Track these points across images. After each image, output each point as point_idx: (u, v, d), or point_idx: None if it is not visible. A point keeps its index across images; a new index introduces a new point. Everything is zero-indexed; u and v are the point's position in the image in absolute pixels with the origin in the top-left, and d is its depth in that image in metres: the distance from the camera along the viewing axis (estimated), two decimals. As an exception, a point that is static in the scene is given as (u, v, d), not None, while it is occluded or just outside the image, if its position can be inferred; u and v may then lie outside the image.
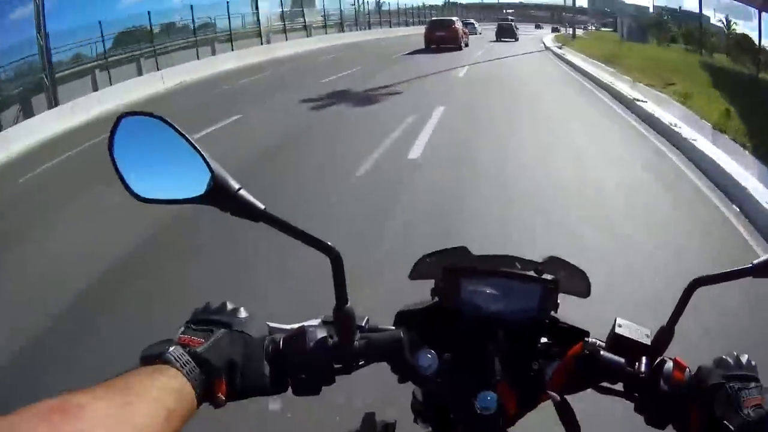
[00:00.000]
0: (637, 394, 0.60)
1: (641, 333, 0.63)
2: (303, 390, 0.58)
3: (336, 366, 0.59)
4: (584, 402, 0.66)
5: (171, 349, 0.49)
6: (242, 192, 0.55)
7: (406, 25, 32.04)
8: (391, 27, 31.45)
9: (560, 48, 20.66)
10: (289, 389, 0.58)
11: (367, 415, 0.68)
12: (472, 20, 35.72)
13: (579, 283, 0.67)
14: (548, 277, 0.65)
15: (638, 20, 27.56)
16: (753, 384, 0.56)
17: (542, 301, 0.65)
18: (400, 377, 0.63)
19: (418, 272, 0.68)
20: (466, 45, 21.22)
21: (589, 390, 0.63)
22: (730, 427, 0.52)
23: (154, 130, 0.54)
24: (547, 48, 21.84)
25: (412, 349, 0.62)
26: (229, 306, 0.57)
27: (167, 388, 0.45)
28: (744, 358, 0.58)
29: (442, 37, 19.71)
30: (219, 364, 0.51)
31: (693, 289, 0.60)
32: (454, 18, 22.53)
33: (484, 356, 0.62)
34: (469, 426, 0.60)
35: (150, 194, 0.55)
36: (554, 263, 0.66)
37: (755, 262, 0.59)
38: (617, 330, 0.62)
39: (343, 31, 26.69)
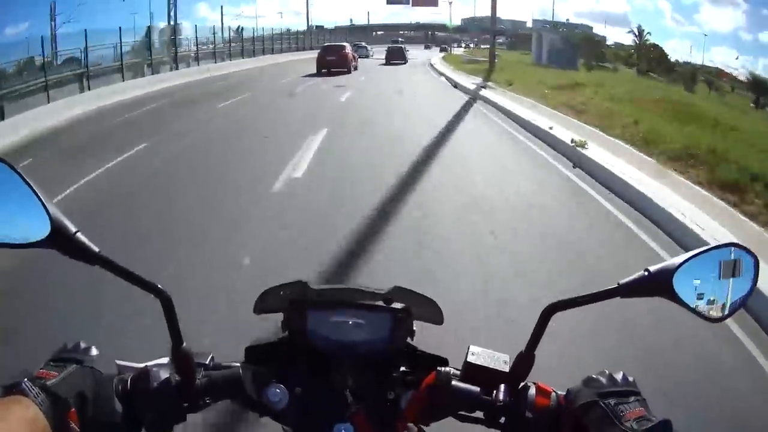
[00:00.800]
0: (502, 421, 0.60)
1: (498, 360, 0.63)
2: (154, 428, 0.58)
3: (185, 405, 0.59)
4: (452, 430, 0.66)
5: (26, 381, 0.51)
6: (78, 235, 0.56)
7: (272, 52, 29.49)
8: (257, 55, 27.56)
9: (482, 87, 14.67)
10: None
11: None
12: (364, 43, 36.93)
13: (430, 310, 0.67)
14: (398, 305, 0.65)
15: (562, 38, 25.45)
16: (633, 398, 0.55)
17: (393, 330, 0.65)
18: (255, 411, 0.63)
19: (262, 306, 0.67)
20: (355, 68, 22.27)
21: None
22: None
23: None
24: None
25: (261, 384, 0.62)
26: (83, 345, 0.59)
27: (23, 419, 0.49)
28: (618, 375, 0.57)
29: (333, 62, 20.74)
30: (69, 396, 0.53)
31: (549, 314, 0.60)
32: (345, 43, 23.74)
33: (337, 388, 0.62)
34: None
35: None
36: (400, 292, 0.66)
37: (622, 281, 0.58)
38: (470, 358, 0.62)
39: (216, 61, 23.09)
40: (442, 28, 41.01)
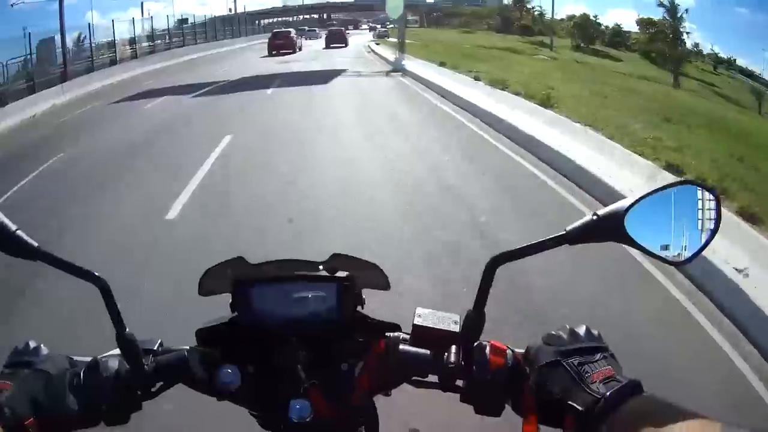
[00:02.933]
0: (460, 384, 0.58)
1: (448, 320, 0.60)
2: (112, 420, 0.58)
3: (138, 393, 0.59)
4: (413, 397, 0.64)
5: None
6: (19, 232, 0.56)
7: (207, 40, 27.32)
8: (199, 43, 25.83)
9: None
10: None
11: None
12: (315, 29, 40.95)
13: (376, 276, 0.64)
14: (341, 274, 0.63)
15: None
16: (599, 355, 0.51)
17: (340, 300, 0.62)
18: (216, 396, 0.62)
19: (207, 288, 0.65)
20: (300, 49, 26.91)
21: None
22: (577, 407, 0.47)
23: None
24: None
25: (211, 366, 0.61)
26: (32, 345, 0.59)
27: None
28: (581, 329, 0.54)
29: (281, 44, 25.39)
30: (25, 404, 0.53)
31: (494, 267, 0.56)
32: (291, 29, 29.24)
33: (289, 365, 0.60)
34: None
35: None
36: (341, 260, 0.63)
37: (569, 228, 0.54)
38: (416, 321, 0.60)
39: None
40: (370, 7, 40.39)
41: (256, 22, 38.81)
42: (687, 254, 0.54)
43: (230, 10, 34.72)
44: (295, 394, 0.58)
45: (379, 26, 38.51)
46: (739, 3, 27.63)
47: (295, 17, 45.34)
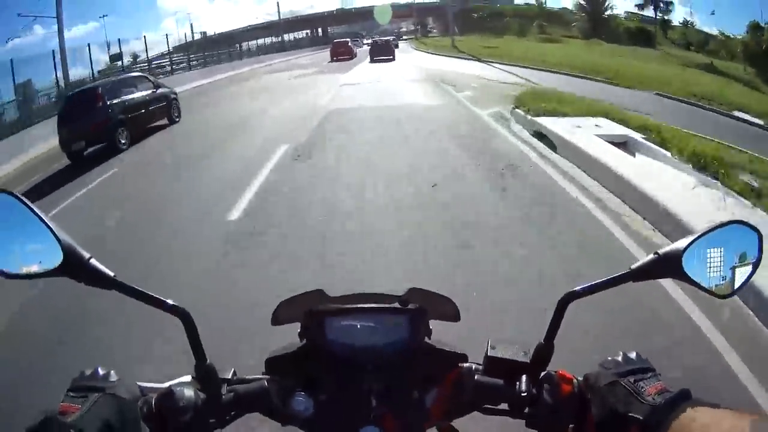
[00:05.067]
0: (527, 411, 0.60)
1: (518, 351, 0.63)
2: None
3: (211, 421, 0.60)
4: (482, 422, 0.67)
5: (51, 420, 0.50)
6: (92, 261, 0.56)
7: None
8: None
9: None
10: None
11: None
12: (362, 34, 44.95)
13: (446, 308, 0.67)
14: (413, 306, 0.66)
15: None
16: (650, 374, 0.57)
17: (411, 331, 0.65)
18: (280, 422, 0.64)
19: (279, 318, 0.67)
20: (356, 55, 30.88)
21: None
22: (637, 417, 0.53)
23: (8, 207, 0.55)
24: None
25: (285, 394, 0.63)
26: (101, 371, 0.58)
27: None
28: (632, 355, 0.59)
29: (342, 51, 29.98)
30: (94, 428, 0.52)
31: (567, 302, 0.60)
32: (347, 39, 34.27)
33: (360, 391, 0.62)
34: None
35: (10, 270, 0.56)
36: (417, 293, 0.66)
37: (634, 266, 0.59)
38: (490, 352, 0.64)
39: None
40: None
41: (236, 45, 34.49)
42: (733, 289, 0.60)
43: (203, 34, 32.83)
44: (365, 422, 0.60)
45: (389, 38, 34.43)
46: None
47: (276, 37, 40.75)
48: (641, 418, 0.52)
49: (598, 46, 26.13)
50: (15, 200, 0.55)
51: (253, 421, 0.65)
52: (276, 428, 0.66)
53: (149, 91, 11.39)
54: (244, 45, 35.16)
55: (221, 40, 33.52)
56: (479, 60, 22.54)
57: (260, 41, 37.63)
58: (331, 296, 0.66)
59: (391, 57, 26.90)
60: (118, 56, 22.65)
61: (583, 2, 31.86)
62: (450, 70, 18.73)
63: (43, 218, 0.55)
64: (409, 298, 0.65)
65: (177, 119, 12.20)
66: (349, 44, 31.41)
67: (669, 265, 0.58)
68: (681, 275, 0.59)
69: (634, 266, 0.59)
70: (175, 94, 12.57)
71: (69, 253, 0.55)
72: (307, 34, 46.91)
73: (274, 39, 41.03)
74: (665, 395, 0.53)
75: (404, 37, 45.59)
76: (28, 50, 19.36)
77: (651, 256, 0.59)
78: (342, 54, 29.13)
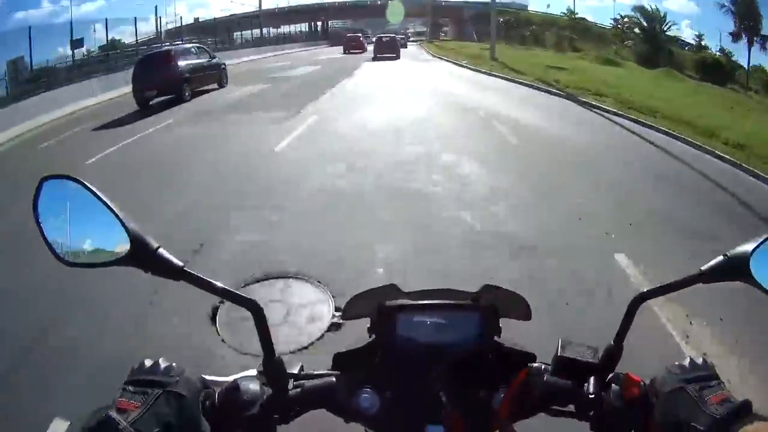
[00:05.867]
0: (591, 413, 0.60)
1: (588, 352, 0.63)
2: None
3: (275, 416, 0.60)
4: (543, 424, 0.67)
5: (109, 417, 0.49)
6: (161, 251, 0.56)
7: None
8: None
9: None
10: None
11: None
12: (408, 31, 45.10)
13: (518, 307, 0.67)
14: (485, 303, 0.66)
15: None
16: (714, 382, 0.56)
17: (482, 328, 0.65)
18: (345, 419, 0.64)
19: (350, 312, 0.67)
20: (366, 50, 31.83)
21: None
22: (699, 427, 0.52)
23: (74, 193, 0.55)
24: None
25: (352, 390, 0.63)
26: (163, 364, 0.56)
27: None
28: (699, 360, 0.58)
29: (354, 45, 32.43)
30: (154, 428, 0.51)
31: (638, 304, 0.61)
32: (359, 34, 35.99)
33: (428, 389, 0.62)
34: None
35: (75, 258, 0.57)
36: (490, 290, 0.66)
37: (703, 267, 0.59)
38: (561, 352, 0.63)
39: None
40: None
41: (233, 33, 32.83)
42: None
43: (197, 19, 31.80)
44: (431, 420, 0.60)
45: (397, 36, 31.12)
46: None
47: (276, 28, 37.69)
48: (703, 429, 0.52)
49: (683, 83, 17.78)
50: (81, 187, 0.55)
51: (316, 418, 0.66)
52: (338, 425, 0.67)
53: (206, 60, 14.96)
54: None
55: (207, 29, 31.36)
56: (569, 98, 11.69)
57: (246, 32, 34.18)
58: (404, 291, 0.66)
59: (396, 56, 25.11)
60: (79, 42, 19.91)
61: (639, 17, 25.36)
62: (557, 133, 8.43)
63: (112, 207, 0.55)
64: (481, 295, 0.66)
65: (225, 84, 15.70)
66: (360, 38, 34.22)
67: (736, 268, 0.59)
68: (749, 278, 0.58)
69: (703, 267, 0.60)
70: (224, 64, 16.05)
71: (137, 242, 0.55)
72: (302, 29, 43.15)
73: (273, 30, 37.58)
74: (727, 405, 0.53)
75: (412, 39, 41.45)
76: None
77: (720, 258, 0.60)
78: (354, 47, 31.90)
